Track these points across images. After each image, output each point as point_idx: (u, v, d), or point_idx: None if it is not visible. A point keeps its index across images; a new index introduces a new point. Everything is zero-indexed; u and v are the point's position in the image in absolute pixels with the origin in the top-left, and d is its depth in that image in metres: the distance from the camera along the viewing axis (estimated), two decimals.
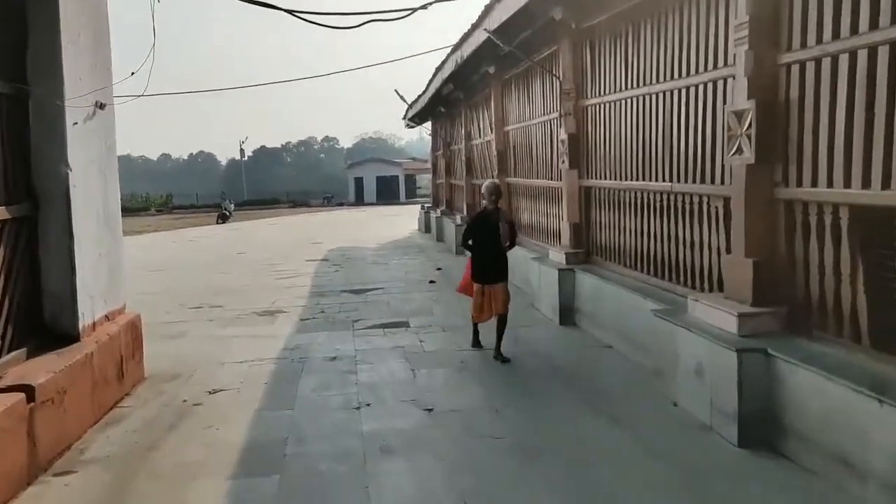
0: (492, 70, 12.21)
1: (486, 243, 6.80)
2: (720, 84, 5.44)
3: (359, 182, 61.91)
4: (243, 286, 12.13)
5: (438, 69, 13.54)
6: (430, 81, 15.27)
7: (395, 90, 19.84)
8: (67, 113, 5.13)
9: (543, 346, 7.16)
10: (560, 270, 8.15)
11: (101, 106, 5.74)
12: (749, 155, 4.78)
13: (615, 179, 7.55)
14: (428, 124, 24.08)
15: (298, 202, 57.72)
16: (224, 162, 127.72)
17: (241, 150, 67.72)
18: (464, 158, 16.72)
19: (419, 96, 18.35)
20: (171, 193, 57.55)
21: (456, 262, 14.52)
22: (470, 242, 6.93)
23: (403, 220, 29.90)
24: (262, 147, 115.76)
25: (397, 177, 60.93)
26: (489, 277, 6.83)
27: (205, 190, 63.66)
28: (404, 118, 23.36)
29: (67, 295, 5.20)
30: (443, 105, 18.96)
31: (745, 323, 4.64)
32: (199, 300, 10.78)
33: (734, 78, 5.04)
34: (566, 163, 8.56)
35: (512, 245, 6.93)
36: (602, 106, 7.82)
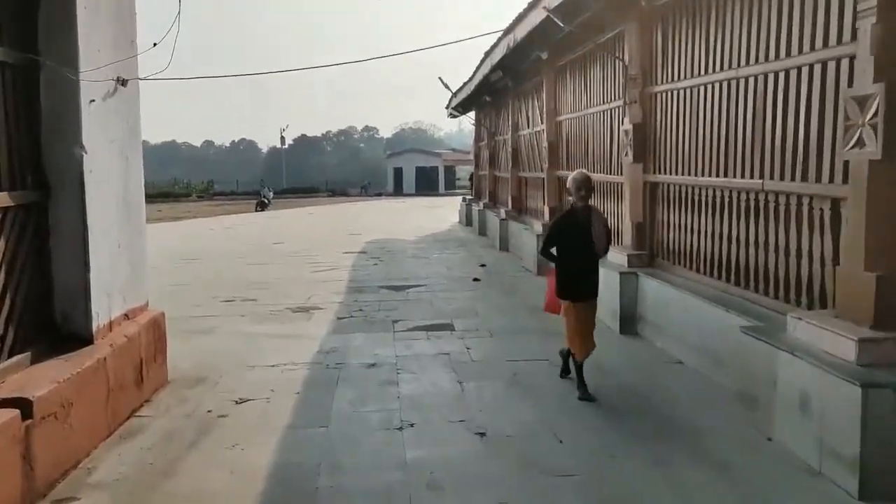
0: (544, 56, 11.44)
1: (578, 250, 5.40)
2: (831, 66, 4.63)
3: (398, 172, 61.45)
4: (278, 279, 11.61)
5: (487, 54, 12.80)
6: (478, 68, 14.54)
7: (440, 78, 19.18)
8: (83, 88, 4.56)
9: (605, 358, 6.42)
10: (622, 274, 7.40)
11: (123, 82, 5.17)
12: (873, 149, 3.98)
13: (688, 175, 6.76)
14: (471, 114, 23.33)
15: (337, 191, 57.53)
16: (265, 150, 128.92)
17: (282, 138, 67.93)
18: (510, 149, 15.97)
19: (464, 84, 17.63)
20: (212, 180, 57.87)
21: (500, 258, 13.83)
22: (553, 251, 5.51)
23: (444, 212, 29.26)
24: (303, 136, 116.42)
25: (437, 167, 60.26)
26: (583, 291, 5.46)
27: (246, 177, 63.97)
28: (447, 107, 22.66)
29: (80, 292, 4.65)
30: (488, 94, 18.20)
31: (867, 350, 3.86)
32: (233, 292, 10.28)
33: (854, 58, 4.24)
34: (630, 156, 7.79)
35: (606, 251, 5.58)
36: (674, 93, 7.03)
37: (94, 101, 4.72)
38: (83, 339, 4.67)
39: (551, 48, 11.12)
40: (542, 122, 12.77)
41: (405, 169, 60.97)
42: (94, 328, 4.72)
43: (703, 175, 6.48)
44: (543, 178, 12.70)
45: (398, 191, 59.45)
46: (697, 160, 6.59)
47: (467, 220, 21.95)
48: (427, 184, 59.06)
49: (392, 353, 6.75)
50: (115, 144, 5.11)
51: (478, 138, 22.98)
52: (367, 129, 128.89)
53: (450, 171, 62.53)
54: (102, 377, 4.53)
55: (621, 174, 8.32)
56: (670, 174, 7.17)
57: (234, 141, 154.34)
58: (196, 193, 51.55)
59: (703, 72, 6.45)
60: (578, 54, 10.16)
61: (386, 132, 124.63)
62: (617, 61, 8.28)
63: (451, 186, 60.99)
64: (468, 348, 6.87)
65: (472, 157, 65.39)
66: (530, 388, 5.65)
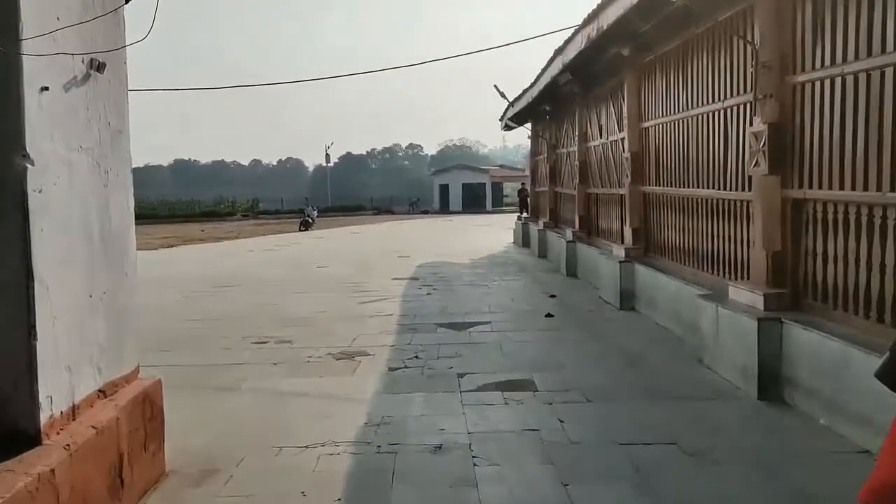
0: (626, 52, 9.77)
1: None
2: None
3: (444, 189, 60.09)
4: (320, 312, 10.12)
5: (559, 52, 11.15)
6: (544, 70, 12.93)
7: (495, 86, 17.71)
8: (27, 69, 3.10)
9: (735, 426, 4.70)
10: (760, 321, 5.65)
11: (99, 66, 3.71)
12: None
13: (857, 190, 5.01)
14: (525, 127, 21.71)
15: (382, 209, 56.44)
16: (311, 168, 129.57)
17: (327, 156, 67.28)
18: (576, 163, 14.27)
19: (524, 92, 16.05)
20: (256, 198, 57.37)
21: (569, 286, 12.12)
22: None
23: (495, 232, 27.66)
24: (348, 153, 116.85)
25: (484, 184, 58.69)
26: None
27: (292, 195, 63.47)
28: (501, 119, 21.10)
29: (21, 368, 3.16)
30: (548, 103, 16.59)
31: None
32: (267, 331, 8.82)
33: None
34: (763, 166, 6.05)
35: None
36: (831, 82, 5.30)
37: (47, 89, 3.26)
38: (26, 436, 3.17)
39: (635, 43, 9.46)
40: (620, 131, 11.08)
41: (451, 186, 59.56)
42: (44, 420, 3.23)
43: (878, 189, 4.73)
44: (623, 195, 10.99)
45: (444, 208, 58.06)
46: (871, 169, 4.85)
47: (524, 241, 20.27)
48: (474, 201, 57.52)
49: (462, 426, 5.12)
50: (85, 154, 3.64)
51: (534, 152, 21.31)
52: (411, 146, 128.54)
53: (497, 187, 60.94)
54: (49, 497, 3.02)
55: (745, 189, 6.60)
56: (826, 189, 5.42)
57: (280, 159, 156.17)
58: (241, 212, 51.00)
59: (879, 50, 4.72)
60: (674, 45, 8.47)
61: (430, 149, 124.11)
62: (739, 45, 6.58)
63: (498, 204, 59.37)
64: (561, 421, 5.19)
65: (520, 173, 63.86)
66: (668, 498, 3.95)
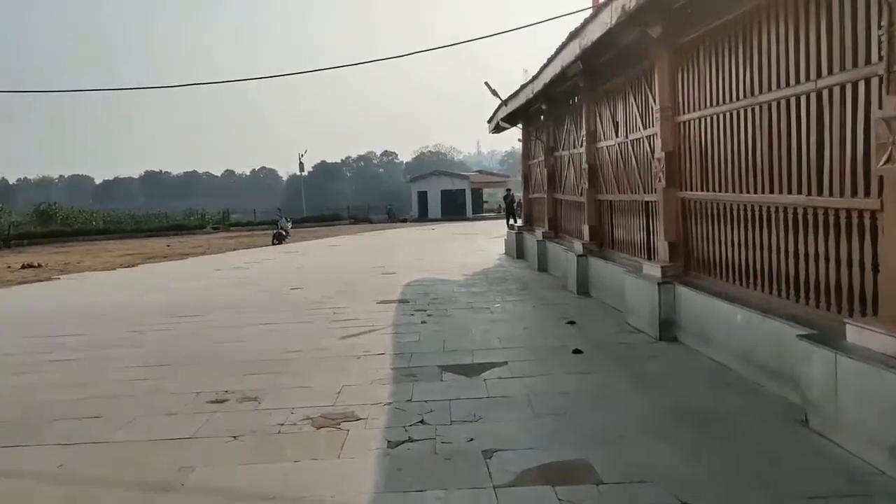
0: (655, 33, 8.13)
1: None
2: None
3: (422, 196, 58.37)
4: (294, 352, 8.31)
5: (573, 36, 9.42)
6: (550, 61, 11.24)
7: (486, 83, 16.06)
8: None
9: None
10: (865, 366, 3.98)
11: None
12: None
13: None
14: (515, 128, 20.06)
15: (360, 217, 54.58)
16: (285, 177, 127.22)
17: (301, 165, 65.23)
18: (583, 166, 12.62)
19: (521, 87, 14.36)
20: (227, 209, 55.25)
21: (584, 308, 10.45)
22: None
23: (482, 241, 26.04)
24: (322, 162, 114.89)
25: (464, 190, 57.07)
26: None
27: (267, 205, 61.44)
28: (490, 120, 19.44)
29: None
30: (545, 101, 14.95)
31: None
32: (227, 381, 7.00)
33: None
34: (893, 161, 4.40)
35: None
36: None
37: None
38: None
39: (668, 20, 7.83)
40: (646, 127, 9.44)
41: (430, 193, 57.86)
42: None
43: None
44: (651, 203, 9.36)
45: (423, 216, 56.35)
46: None
47: (518, 252, 18.59)
48: (454, 208, 55.90)
49: None
50: None
51: (527, 155, 19.64)
52: (386, 153, 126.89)
53: (477, 194, 59.43)
54: None
55: (864, 195, 4.96)
56: None
57: (254, 169, 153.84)
58: (211, 225, 48.79)
59: None
60: (726, 19, 6.84)
61: (405, 156, 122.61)
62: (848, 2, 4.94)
63: (478, 210, 57.87)
64: None
65: (500, 178, 62.58)
66: None
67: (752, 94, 6.54)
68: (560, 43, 10.15)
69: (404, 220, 52.97)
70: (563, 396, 6.06)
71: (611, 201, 11.52)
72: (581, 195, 13.01)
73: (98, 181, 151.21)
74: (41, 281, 18.89)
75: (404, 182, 77.92)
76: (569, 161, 14.47)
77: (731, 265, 7.16)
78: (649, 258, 9.43)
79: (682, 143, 8.30)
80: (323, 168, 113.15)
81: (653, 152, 9.05)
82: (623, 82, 10.38)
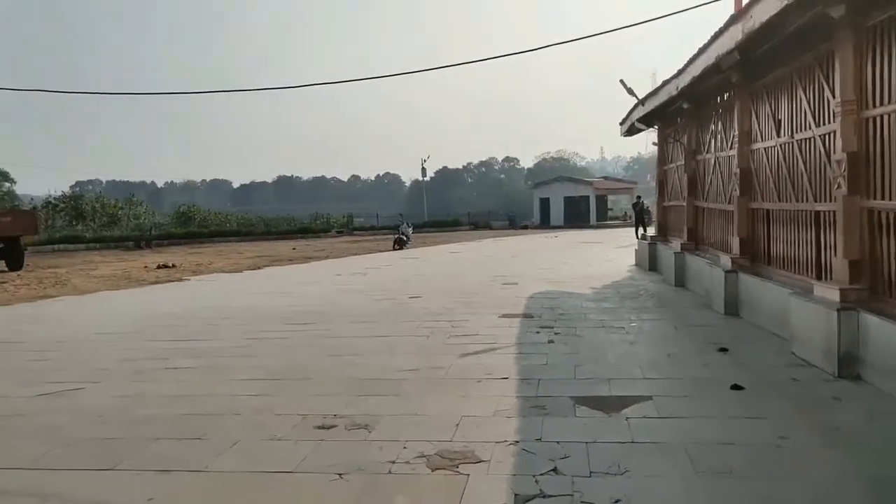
0: (837, 13, 6.82)
1: None
2: None
3: (545, 203, 57.19)
4: (410, 371, 7.64)
5: (733, 20, 8.18)
6: (700, 53, 10.00)
7: (621, 81, 14.92)
8: None
9: None
10: None
11: None
12: None
13: None
14: (650, 130, 18.68)
15: (480, 224, 54.18)
16: (408, 183, 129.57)
17: (423, 170, 65.74)
18: (733, 171, 11.23)
19: (663, 84, 13.11)
20: (351, 214, 56.51)
21: (733, 330, 9.16)
22: None
23: (609, 251, 24.70)
24: (444, 168, 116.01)
25: (588, 197, 55.36)
26: None
27: (390, 210, 62.54)
28: (623, 122, 18.19)
29: None
30: (687, 100, 13.59)
31: None
32: (336, 403, 6.41)
33: None
34: None
35: None
36: None
37: None
38: None
39: None
40: (819, 124, 8.07)
41: (553, 199, 56.60)
42: None
43: None
44: (827, 213, 7.98)
45: (545, 223, 55.18)
46: None
47: (650, 264, 17.22)
48: (577, 215, 54.32)
49: None
50: None
51: (662, 160, 18.18)
52: (507, 159, 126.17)
53: (601, 200, 57.52)
54: None
55: None
56: None
57: (378, 175, 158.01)
58: (336, 229, 50.00)
59: None
60: None
61: (527, 162, 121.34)
62: None
63: (602, 218, 55.99)
64: None
65: (627, 185, 60.34)
66: None
67: None
68: (715, 30, 8.92)
69: (525, 227, 52.05)
70: (728, 450, 4.96)
71: (767, 210, 10.11)
72: (729, 203, 11.62)
73: (236, 185, 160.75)
74: (172, 282, 19.54)
75: (526, 188, 76.97)
76: (714, 165, 13.05)
77: None
78: (819, 278, 8.05)
79: (870, 142, 6.91)
80: (445, 174, 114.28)
81: (828, 154, 7.68)
82: (788, 73, 8.99)
